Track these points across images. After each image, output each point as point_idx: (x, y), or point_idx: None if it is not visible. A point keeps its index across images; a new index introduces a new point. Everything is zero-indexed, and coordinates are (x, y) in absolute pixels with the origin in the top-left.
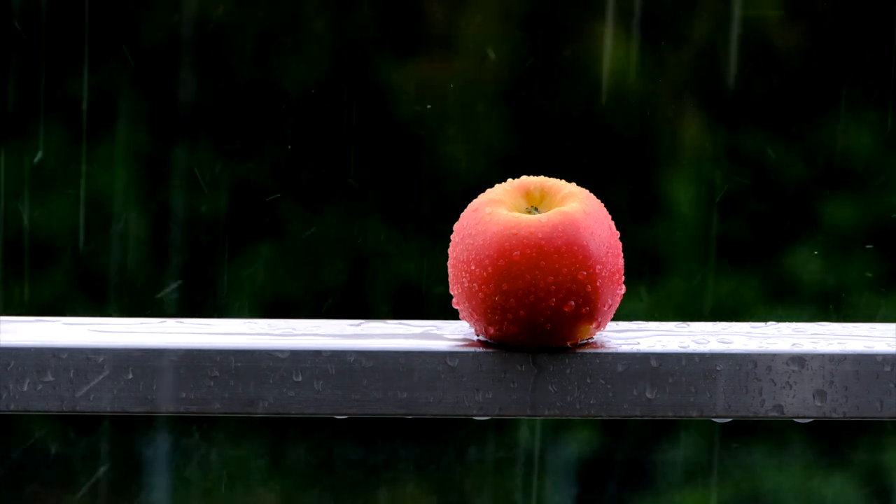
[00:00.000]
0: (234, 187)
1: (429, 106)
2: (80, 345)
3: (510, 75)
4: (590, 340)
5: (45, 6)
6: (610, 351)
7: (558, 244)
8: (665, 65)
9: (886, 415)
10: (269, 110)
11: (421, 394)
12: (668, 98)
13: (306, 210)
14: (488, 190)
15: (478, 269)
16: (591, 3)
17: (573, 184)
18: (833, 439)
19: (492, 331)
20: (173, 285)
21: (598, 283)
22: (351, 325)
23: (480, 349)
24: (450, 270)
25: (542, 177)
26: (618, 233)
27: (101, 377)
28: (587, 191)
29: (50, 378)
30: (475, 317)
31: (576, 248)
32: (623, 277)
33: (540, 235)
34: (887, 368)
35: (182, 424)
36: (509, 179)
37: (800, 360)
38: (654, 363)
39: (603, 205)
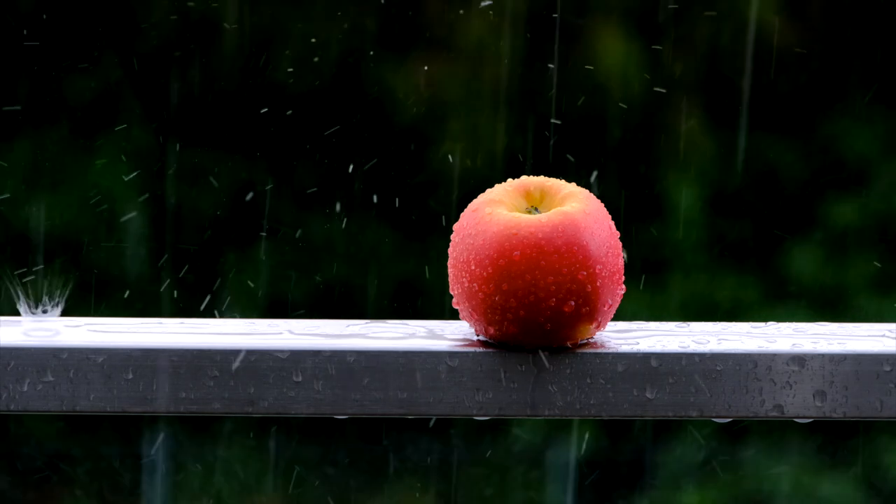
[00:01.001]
0: (235, 187)
1: (429, 106)
2: (80, 345)
3: (510, 75)
4: (590, 340)
5: (46, 6)
6: (610, 351)
7: (558, 244)
8: (666, 65)
9: (886, 415)
10: (269, 110)
11: (421, 394)
12: (669, 98)
13: (306, 210)
14: (488, 190)
15: (478, 269)
16: (592, 3)
17: (573, 184)
18: (833, 439)
19: (492, 331)
20: (173, 285)
21: (598, 283)
22: (351, 325)
23: (480, 349)
24: (450, 270)
25: (542, 177)
26: (618, 233)
27: (100, 377)
28: (587, 191)
29: (50, 378)
30: (475, 317)
31: (576, 248)
32: (623, 277)
33: (540, 235)
34: (887, 368)
35: (182, 424)
36: (509, 179)
37: (800, 360)
38: (654, 363)
39: (603, 205)
